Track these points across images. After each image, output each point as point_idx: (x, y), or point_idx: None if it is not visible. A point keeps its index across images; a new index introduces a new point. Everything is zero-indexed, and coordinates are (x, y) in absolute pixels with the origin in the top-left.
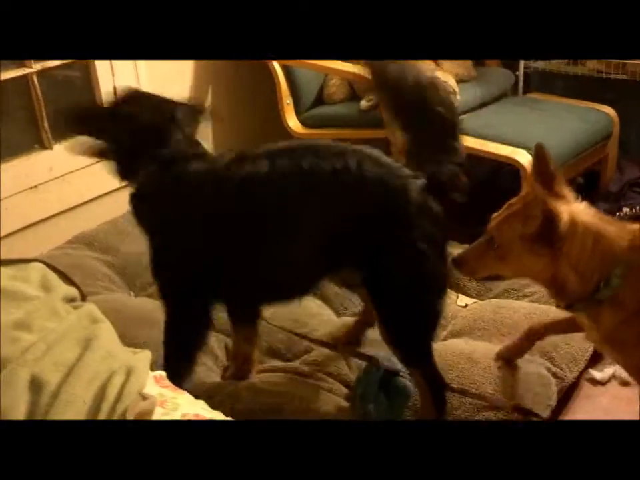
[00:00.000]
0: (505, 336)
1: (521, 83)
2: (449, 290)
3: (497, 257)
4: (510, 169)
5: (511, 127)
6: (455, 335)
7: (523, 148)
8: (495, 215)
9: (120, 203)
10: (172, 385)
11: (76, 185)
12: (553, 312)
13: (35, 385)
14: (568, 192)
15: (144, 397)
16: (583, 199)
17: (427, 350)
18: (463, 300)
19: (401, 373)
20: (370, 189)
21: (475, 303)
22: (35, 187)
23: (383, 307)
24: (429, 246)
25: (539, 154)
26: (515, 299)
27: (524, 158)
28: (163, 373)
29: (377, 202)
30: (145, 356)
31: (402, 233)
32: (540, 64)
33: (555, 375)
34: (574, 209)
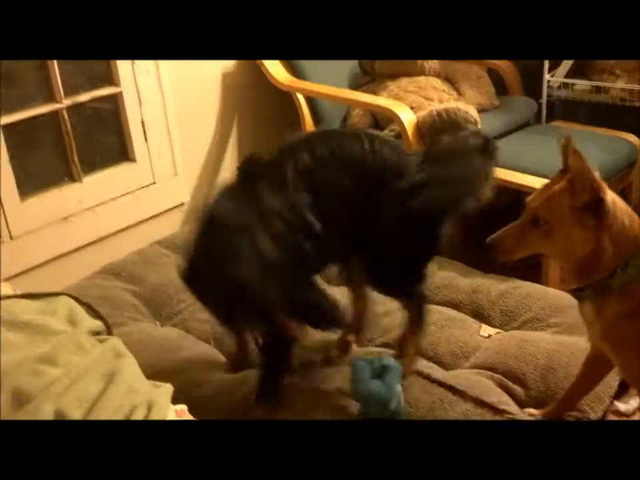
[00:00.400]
0: (525, 375)
1: (544, 112)
2: (471, 320)
3: (543, 234)
4: None
5: (533, 156)
6: (477, 367)
7: (545, 177)
8: (531, 197)
9: (147, 233)
10: (193, 419)
11: (104, 217)
12: (576, 347)
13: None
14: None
15: None
16: None
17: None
18: (486, 330)
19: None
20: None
21: (498, 333)
22: (65, 218)
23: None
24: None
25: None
26: (540, 329)
27: None
28: (184, 407)
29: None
30: (167, 389)
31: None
32: (563, 92)
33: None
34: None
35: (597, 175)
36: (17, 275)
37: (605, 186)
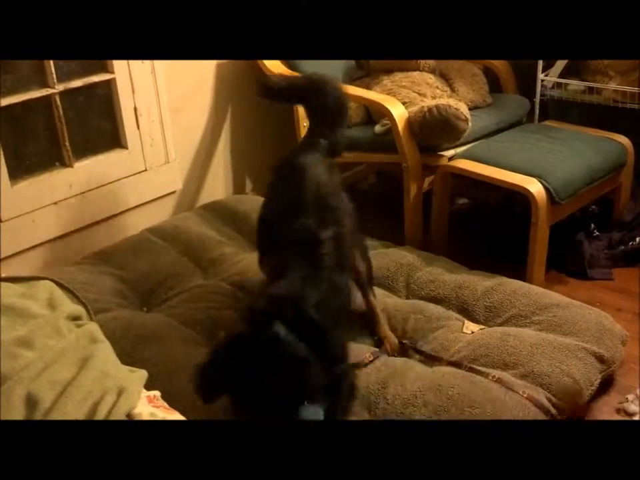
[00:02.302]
0: (509, 365)
1: (537, 111)
2: (456, 316)
3: None
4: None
5: (523, 154)
6: (458, 359)
7: (535, 176)
8: None
9: (138, 221)
10: (164, 405)
11: (95, 203)
12: (558, 343)
13: (30, 402)
14: None
15: (130, 417)
16: (597, 227)
17: None
18: (469, 327)
19: None
20: None
21: (481, 329)
22: (56, 203)
23: None
24: None
25: None
26: (523, 326)
27: (535, 187)
28: (157, 393)
29: None
30: (140, 376)
31: None
32: (556, 92)
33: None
34: None
35: None
36: (6, 258)
37: None
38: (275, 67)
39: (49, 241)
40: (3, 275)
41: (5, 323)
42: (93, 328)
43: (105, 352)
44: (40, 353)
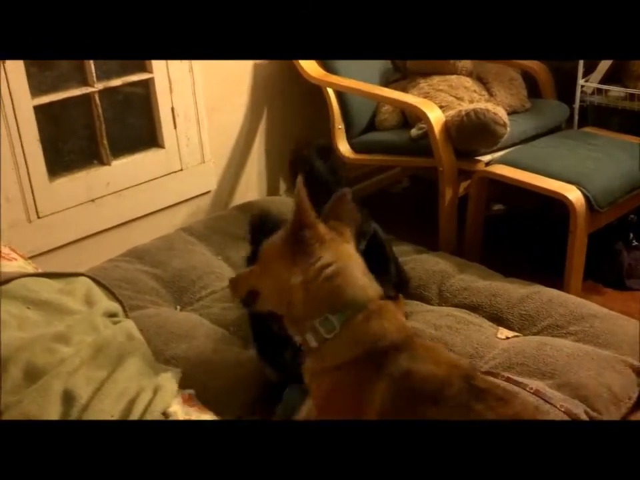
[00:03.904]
0: (545, 375)
1: (576, 117)
2: (489, 323)
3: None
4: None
5: (562, 161)
6: (494, 368)
7: (574, 184)
8: None
9: (173, 220)
10: (199, 405)
11: (131, 201)
12: (595, 354)
13: (67, 398)
14: None
15: (166, 416)
16: (635, 236)
17: None
18: (503, 332)
19: None
20: None
21: (516, 336)
22: (93, 200)
23: None
24: None
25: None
26: (560, 336)
27: (574, 194)
28: (192, 392)
29: None
30: (175, 374)
31: None
32: (597, 98)
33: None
34: None
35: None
36: (42, 253)
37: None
38: (311, 68)
39: (85, 238)
40: (41, 271)
41: (43, 319)
42: (129, 325)
43: (141, 349)
44: (77, 349)
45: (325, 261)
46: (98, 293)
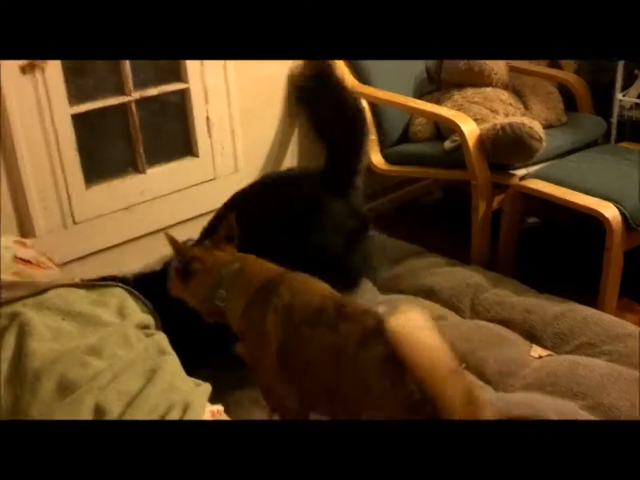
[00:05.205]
0: (577, 395)
1: (613, 131)
2: (522, 340)
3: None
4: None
5: (599, 177)
6: (525, 387)
7: (611, 200)
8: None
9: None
10: (227, 419)
11: (165, 209)
12: (629, 374)
13: (98, 413)
14: None
15: None
16: None
17: None
18: (537, 351)
19: None
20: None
21: (549, 355)
22: (127, 208)
23: None
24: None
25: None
26: (593, 355)
27: (610, 212)
28: (221, 408)
29: None
30: (205, 390)
31: None
32: (634, 113)
33: None
34: None
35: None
36: (77, 259)
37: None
38: (345, 79)
39: (119, 244)
40: (76, 280)
41: (77, 330)
42: (161, 339)
43: (172, 364)
44: (109, 362)
45: (206, 275)
46: (132, 304)
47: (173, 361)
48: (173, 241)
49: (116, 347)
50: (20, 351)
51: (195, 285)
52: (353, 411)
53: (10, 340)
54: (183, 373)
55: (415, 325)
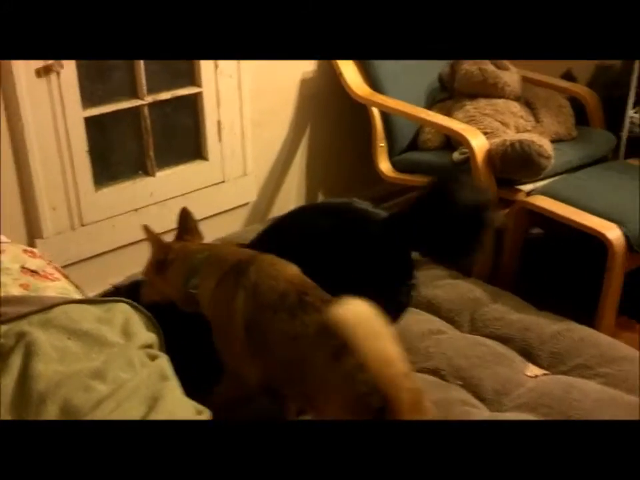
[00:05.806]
0: (570, 418)
1: (622, 148)
2: (519, 358)
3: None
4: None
5: (605, 196)
6: (519, 407)
7: (615, 222)
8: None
9: (210, 230)
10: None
11: (173, 211)
12: (621, 399)
13: None
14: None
15: None
16: None
17: None
18: (533, 370)
19: None
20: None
21: (545, 374)
22: (136, 210)
23: None
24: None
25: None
26: (588, 377)
27: (613, 233)
28: None
29: None
30: (206, 417)
31: None
32: None
33: None
34: None
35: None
36: (84, 260)
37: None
38: (357, 86)
39: (127, 246)
40: (83, 297)
41: (82, 350)
42: (163, 363)
43: (174, 391)
44: (112, 387)
45: (181, 264)
46: (137, 321)
47: (174, 388)
48: (149, 233)
49: (120, 371)
50: (25, 372)
51: (171, 274)
52: (310, 398)
53: (16, 361)
54: (185, 399)
55: (362, 313)
